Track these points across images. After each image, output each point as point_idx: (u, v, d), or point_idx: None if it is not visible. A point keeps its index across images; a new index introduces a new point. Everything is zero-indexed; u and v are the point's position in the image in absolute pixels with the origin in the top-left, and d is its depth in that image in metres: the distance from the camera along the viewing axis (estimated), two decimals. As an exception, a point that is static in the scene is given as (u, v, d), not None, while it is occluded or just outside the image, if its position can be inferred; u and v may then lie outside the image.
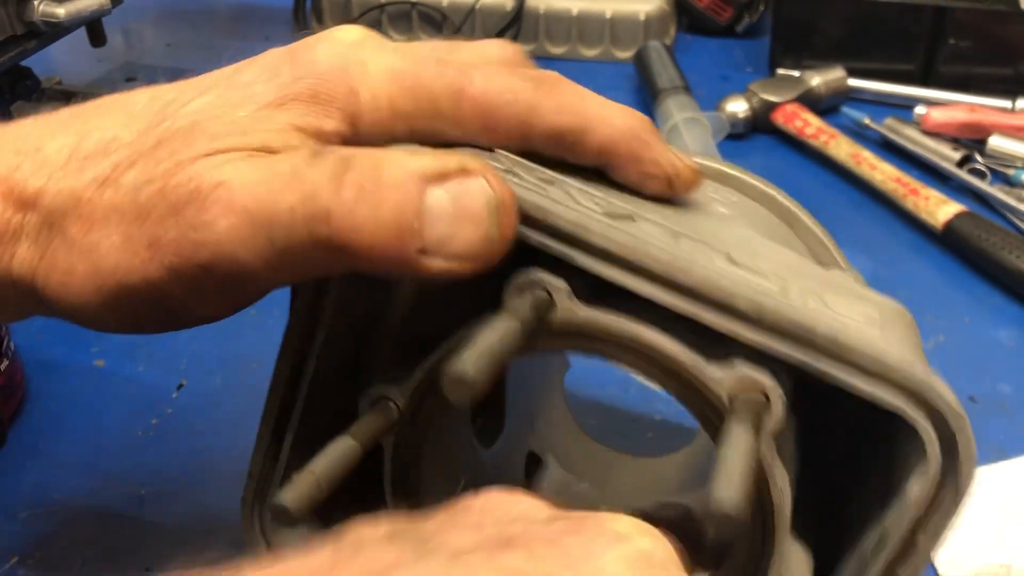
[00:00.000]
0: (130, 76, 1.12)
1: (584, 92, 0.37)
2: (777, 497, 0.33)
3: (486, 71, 0.36)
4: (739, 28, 1.20)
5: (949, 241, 0.80)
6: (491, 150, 0.36)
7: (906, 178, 0.85)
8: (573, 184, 0.36)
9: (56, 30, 0.80)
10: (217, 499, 0.54)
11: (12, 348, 0.61)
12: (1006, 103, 0.98)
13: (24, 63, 0.84)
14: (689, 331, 0.33)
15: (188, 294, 0.34)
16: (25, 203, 0.36)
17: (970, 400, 0.64)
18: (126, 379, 0.65)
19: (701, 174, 0.39)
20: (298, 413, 0.39)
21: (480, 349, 0.29)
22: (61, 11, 0.77)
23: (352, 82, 0.36)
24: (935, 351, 0.69)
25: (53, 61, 1.08)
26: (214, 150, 0.33)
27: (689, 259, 0.32)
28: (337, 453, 0.34)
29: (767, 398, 0.32)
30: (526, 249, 0.33)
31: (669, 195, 0.38)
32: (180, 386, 0.64)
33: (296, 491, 0.32)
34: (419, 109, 0.36)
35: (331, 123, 0.35)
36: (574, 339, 0.34)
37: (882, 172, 0.87)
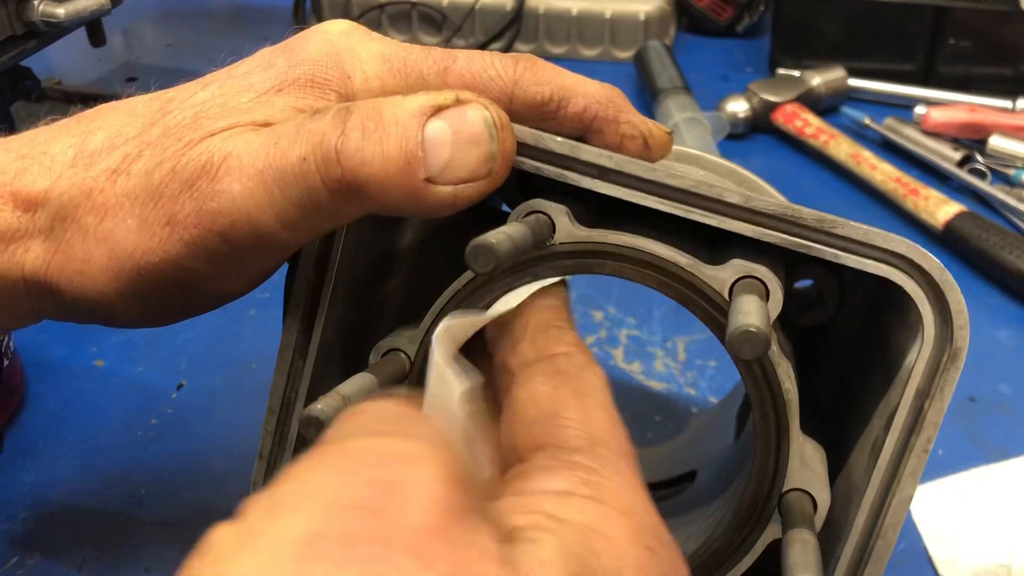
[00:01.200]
0: (130, 76, 1.12)
1: (559, 68, 0.39)
2: (787, 384, 0.35)
3: (468, 53, 0.39)
4: (739, 28, 1.20)
5: (949, 241, 0.80)
6: None
7: (906, 178, 0.85)
8: None
9: (56, 30, 0.79)
10: (217, 498, 0.55)
11: (12, 348, 0.61)
12: (1006, 103, 0.98)
13: (24, 63, 0.83)
14: (684, 242, 0.35)
15: (208, 268, 0.35)
16: (32, 203, 0.36)
17: (970, 400, 0.64)
18: (126, 379, 0.65)
19: (672, 138, 0.41)
20: (304, 391, 0.40)
21: (499, 231, 0.32)
22: (61, 11, 0.77)
23: (345, 67, 0.38)
24: (935, 351, 0.69)
25: (53, 61, 1.08)
26: (219, 129, 0.35)
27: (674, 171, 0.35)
28: (359, 381, 0.35)
29: (766, 287, 0.34)
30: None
31: (646, 157, 0.40)
32: (180, 386, 0.64)
33: (326, 403, 0.33)
34: (409, 88, 0.38)
35: (328, 105, 0.36)
36: (576, 258, 0.36)
37: (882, 172, 0.87)
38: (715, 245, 0.34)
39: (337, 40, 0.38)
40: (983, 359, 0.68)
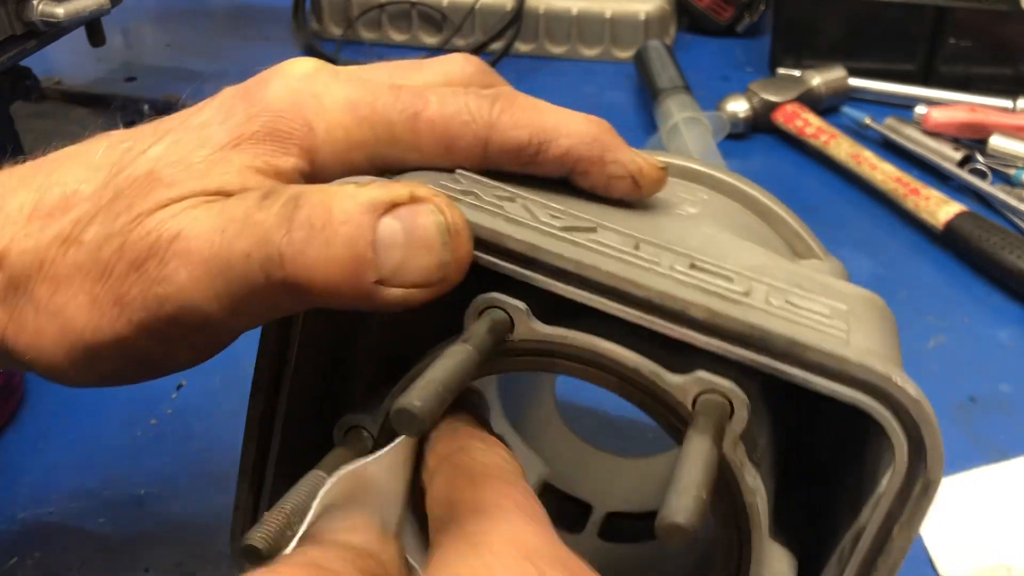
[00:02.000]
0: (129, 76, 1.11)
1: (540, 104, 0.37)
2: (749, 498, 0.33)
3: (441, 93, 0.36)
4: (739, 28, 1.20)
5: (949, 241, 0.80)
6: (451, 171, 0.36)
7: (906, 178, 0.85)
8: (534, 199, 0.36)
9: (56, 30, 0.79)
10: (216, 499, 0.54)
11: (12, 348, 0.61)
12: (1006, 103, 0.98)
13: (24, 63, 0.83)
14: (650, 344, 0.33)
15: (157, 347, 0.34)
16: None
17: (970, 400, 0.64)
18: (126, 379, 0.65)
19: (666, 172, 0.39)
20: (276, 447, 0.39)
21: (428, 382, 0.29)
22: (60, 11, 0.77)
23: (307, 116, 0.35)
24: (935, 351, 0.69)
25: (53, 61, 1.08)
26: (169, 199, 0.33)
27: (644, 270, 0.32)
28: (307, 489, 0.33)
29: (731, 403, 0.32)
30: (494, 271, 0.33)
31: (637, 196, 0.38)
32: (180, 386, 0.64)
33: (266, 530, 0.31)
34: (376, 137, 0.36)
35: (289, 160, 0.35)
36: (535, 357, 0.34)
37: (882, 172, 0.87)
38: (685, 345, 0.32)
39: (299, 85, 0.36)
40: (983, 359, 0.68)
